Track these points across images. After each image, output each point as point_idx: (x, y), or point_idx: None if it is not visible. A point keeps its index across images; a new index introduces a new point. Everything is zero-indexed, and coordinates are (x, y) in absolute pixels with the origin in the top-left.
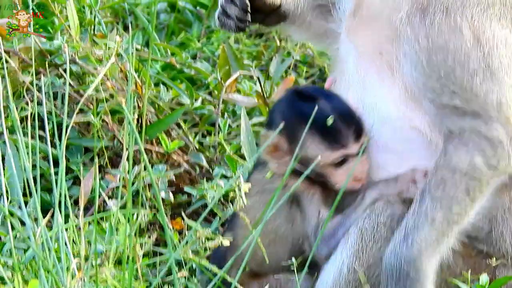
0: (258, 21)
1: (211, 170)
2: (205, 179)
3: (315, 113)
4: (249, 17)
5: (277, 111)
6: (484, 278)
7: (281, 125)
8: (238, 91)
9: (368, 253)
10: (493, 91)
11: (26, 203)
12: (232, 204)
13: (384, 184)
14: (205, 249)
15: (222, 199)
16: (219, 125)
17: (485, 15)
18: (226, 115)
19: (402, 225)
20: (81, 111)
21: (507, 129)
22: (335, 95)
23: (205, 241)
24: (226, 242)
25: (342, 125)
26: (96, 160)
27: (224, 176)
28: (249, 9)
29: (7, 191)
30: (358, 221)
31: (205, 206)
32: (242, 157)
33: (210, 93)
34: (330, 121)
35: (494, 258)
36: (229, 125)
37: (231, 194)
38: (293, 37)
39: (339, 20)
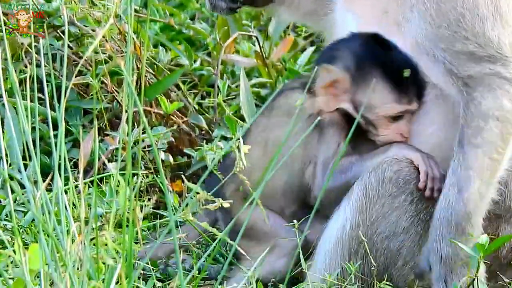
0: (248, 3)
1: (210, 132)
2: (204, 141)
3: (391, 62)
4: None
5: (347, 48)
6: (484, 238)
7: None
8: (237, 51)
9: (372, 209)
10: (504, 34)
11: (25, 166)
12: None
13: (413, 150)
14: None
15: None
16: (218, 86)
17: None
18: (225, 76)
19: (452, 178)
20: (80, 73)
21: None
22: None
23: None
24: (226, 205)
25: (413, 81)
26: (96, 122)
27: (224, 138)
28: None
29: (6, 155)
30: (363, 176)
31: (205, 167)
32: (242, 118)
33: (209, 54)
34: (406, 73)
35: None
36: (228, 86)
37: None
38: (282, 17)
39: None
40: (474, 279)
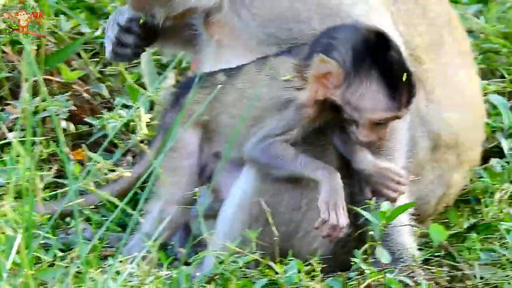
0: (147, 44)
1: (112, 100)
2: (106, 109)
3: (389, 65)
4: (145, 42)
5: (347, 42)
6: (385, 205)
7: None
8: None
9: (276, 180)
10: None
11: None
12: (134, 134)
13: (333, 191)
14: (107, 181)
15: (123, 129)
16: None
17: None
18: None
19: None
20: None
21: None
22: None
23: (106, 173)
24: (127, 174)
25: (407, 88)
26: None
27: (125, 106)
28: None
29: None
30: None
31: (106, 136)
32: (143, 86)
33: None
34: (404, 78)
35: None
36: None
37: (132, 124)
38: (165, 51)
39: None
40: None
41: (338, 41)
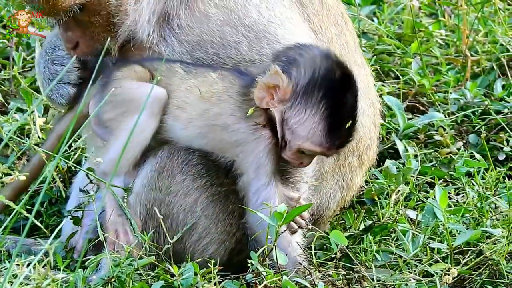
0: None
1: (6, 104)
2: (0, 114)
3: (340, 104)
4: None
5: (311, 66)
6: (282, 207)
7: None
8: (32, 23)
9: (171, 180)
10: None
11: None
12: (28, 138)
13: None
14: (2, 184)
15: (18, 132)
16: (13, 58)
17: None
18: (20, 48)
19: None
20: None
21: None
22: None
23: (1, 176)
24: (22, 178)
25: (347, 133)
26: None
27: (20, 109)
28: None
29: None
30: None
31: (1, 140)
32: (37, 90)
33: (4, 27)
34: (347, 124)
35: None
36: (23, 58)
37: (27, 128)
38: None
39: None
40: (272, 248)
41: (302, 60)
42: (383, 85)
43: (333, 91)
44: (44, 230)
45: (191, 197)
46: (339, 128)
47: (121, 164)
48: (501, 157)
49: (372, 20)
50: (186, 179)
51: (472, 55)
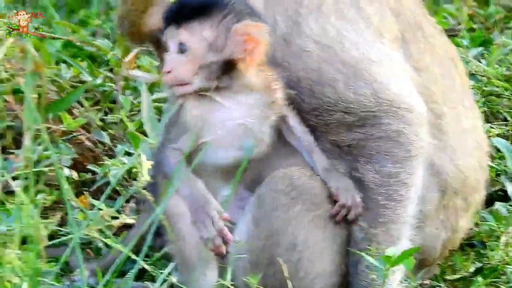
0: None
1: (114, 147)
2: (108, 157)
3: None
4: None
5: None
6: (391, 250)
7: None
8: (138, 67)
9: (267, 220)
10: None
11: None
12: (136, 181)
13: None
14: (110, 227)
15: (125, 176)
16: (120, 102)
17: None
18: (127, 91)
19: None
20: None
21: None
22: None
23: (109, 219)
24: (130, 221)
25: None
26: None
27: (127, 153)
28: None
29: None
30: (259, 188)
31: (109, 183)
32: (144, 133)
33: (111, 70)
34: None
35: None
36: (130, 101)
37: (134, 171)
38: None
39: None
40: None
41: None
42: (491, 127)
43: None
44: (152, 272)
45: (289, 231)
46: None
47: None
48: None
49: (480, 62)
50: (280, 213)
51: None
